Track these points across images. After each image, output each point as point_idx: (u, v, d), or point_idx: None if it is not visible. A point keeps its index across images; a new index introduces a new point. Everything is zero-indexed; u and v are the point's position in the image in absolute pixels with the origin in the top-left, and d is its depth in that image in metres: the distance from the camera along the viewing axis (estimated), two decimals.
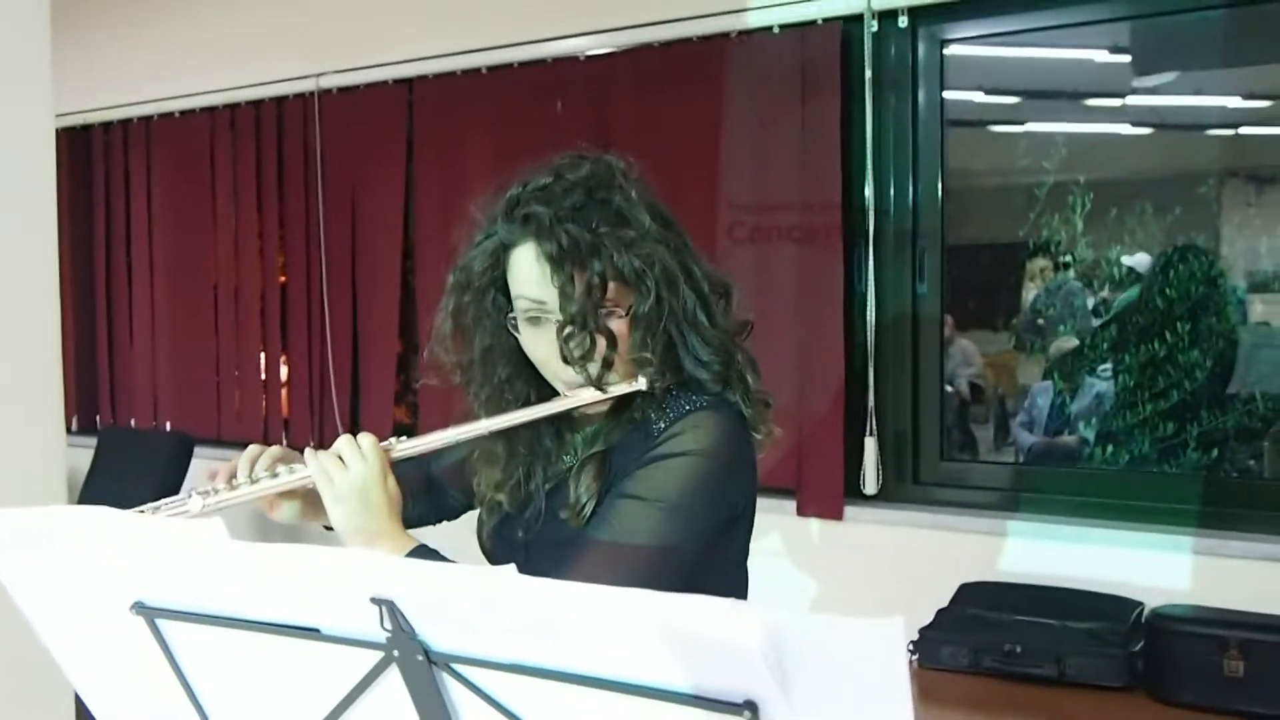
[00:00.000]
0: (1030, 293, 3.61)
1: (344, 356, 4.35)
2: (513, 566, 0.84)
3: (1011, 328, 3.72)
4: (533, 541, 1.59)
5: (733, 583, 1.63)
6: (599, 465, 1.53)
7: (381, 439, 1.51)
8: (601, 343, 1.47)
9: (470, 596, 0.89)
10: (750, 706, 0.81)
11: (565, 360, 1.48)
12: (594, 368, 1.48)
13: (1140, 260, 3.36)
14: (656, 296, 1.48)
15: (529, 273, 1.49)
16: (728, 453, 1.50)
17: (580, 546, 1.47)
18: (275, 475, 1.51)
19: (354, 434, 1.51)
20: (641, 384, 1.51)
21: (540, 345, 1.53)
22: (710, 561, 1.51)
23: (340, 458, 1.47)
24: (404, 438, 1.53)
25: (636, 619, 0.82)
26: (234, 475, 1.53)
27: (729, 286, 1.59)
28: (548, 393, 1.58)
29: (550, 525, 1.57)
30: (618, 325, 1.49)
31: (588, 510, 1.50)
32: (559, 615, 0.86)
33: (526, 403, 1.59)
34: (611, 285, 1.47)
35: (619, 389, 1.51)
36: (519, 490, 1.62)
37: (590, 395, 1.52)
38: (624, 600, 0.81)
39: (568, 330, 1.47)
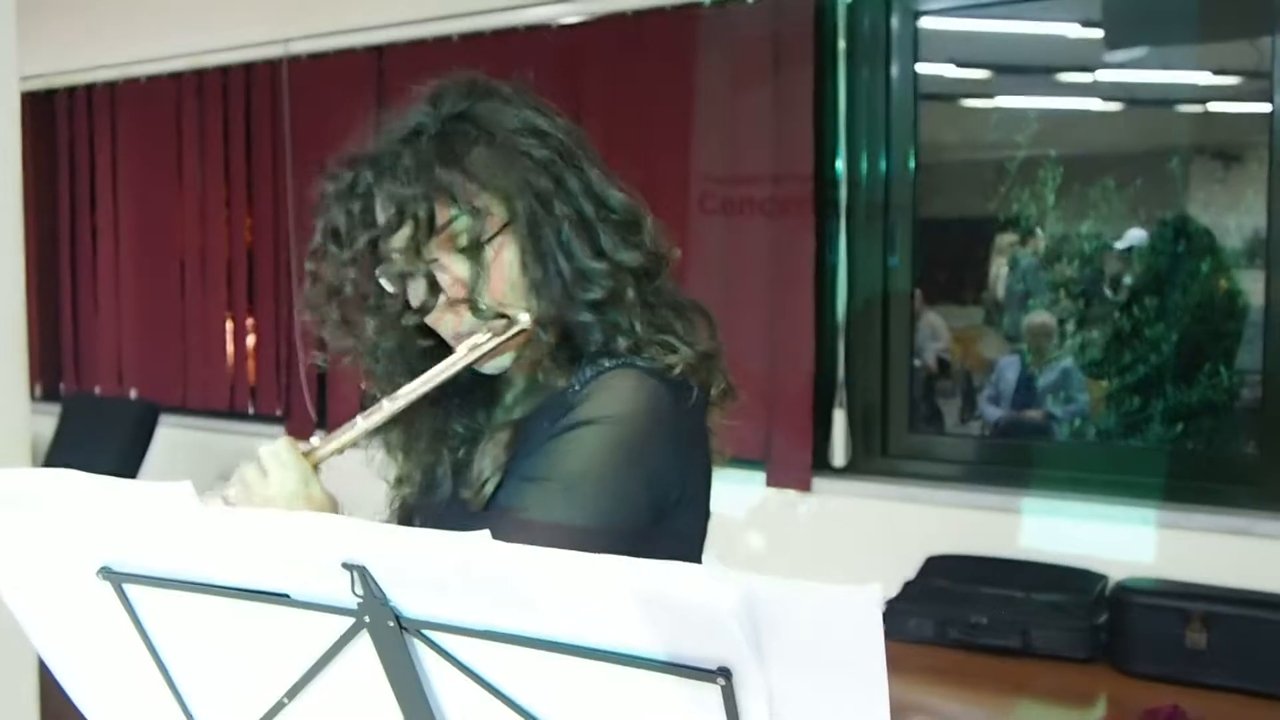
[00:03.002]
0: (1000, 267, 3.63)
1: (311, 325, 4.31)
2: (486, 532, 0.83)
3: (980, 302, 3.73)
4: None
5: None
6: (508, 438, 1.31)
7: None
8: (443, 282, 1.27)
9: (442, 562, 0.88)
10: (724, 673, 0.81)
11: (412, 307, 1.29)
12: (447, 314, 1.29)
13: (1136, 236, 3.36)
14: (526, 214, 1.25)
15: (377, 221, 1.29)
16: (648, 420, 1.23)
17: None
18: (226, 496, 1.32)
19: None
20: (524, 320, 1.27)
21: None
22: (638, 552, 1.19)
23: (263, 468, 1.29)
24: (323, 437, 1.32)
25: (610, 584, 0.81)
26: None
27: (635, 213, 1.31)
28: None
29: (450, 511, 1.36)
30: (446, 260, 1.27)
31: (489, 489, 1.29)
32: (532, 581, 0.85)
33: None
34: (442, 209, 1.24)
35: (498, 337, 1.28)
36: (426, 479, 1.42)
37: (471, 349, 1.28)
38: (597, 565, 0.81)
39: (394, 267, 1.26)
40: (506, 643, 0.88)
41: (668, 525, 1.28)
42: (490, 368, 1.33)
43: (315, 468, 1.30)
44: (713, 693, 0.81)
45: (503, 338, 1.28)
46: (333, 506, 1.30)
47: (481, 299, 1.26)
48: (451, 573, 0.88)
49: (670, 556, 1.18)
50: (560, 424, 1.23)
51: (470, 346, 1.29)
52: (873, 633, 0.75)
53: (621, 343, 1.27)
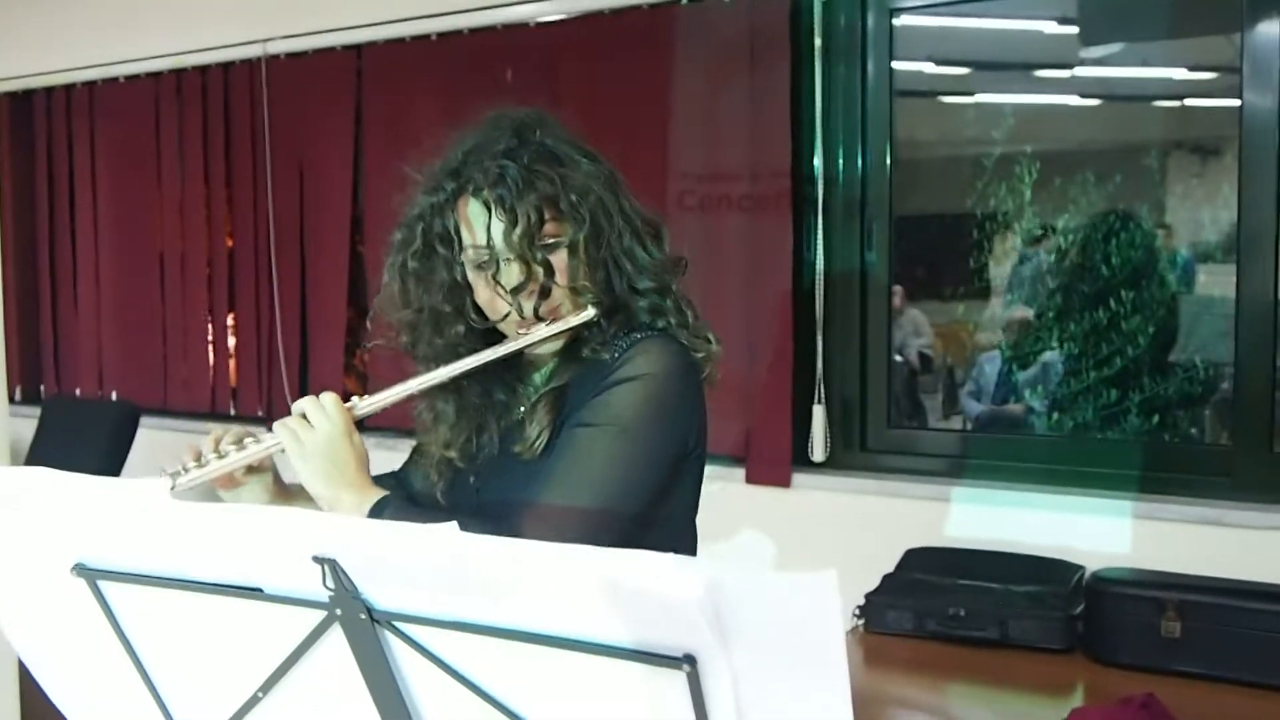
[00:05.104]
0: (982, 262, 3.64)
1: (292, 325, 4.32)
2: (454, 524, 0.85)
3: (960, 297, 3.75)
4: (484, 486, 1.60)
5: (682, 539, 1.64)
6: (553, 400, 1.55)
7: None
8: (538, 273, 1.50)
9: (411, 554, 0.89)
10: (689, 660, 0.82)
11: (502, 294, 1.51)
12: (529, 300, 1.51)
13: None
14: (593, 226, 1.52)
15: (474, 221, 1.53)
16: (676, 377, 1.51)
17: (536, 480, 1.48)
18: (243, 448, 1.50)
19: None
20: (591, 313, 1.53)
21: (487, 290, 1.54)
22: (662, 499, 1.52)
23: (305, 417, 1.49)
24: (365, 396, 1.54)
25: (577, 574, 0.83)
26: (200, 455, 1.51)
27: (659, 225, 1.62)
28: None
29: (503, 465, 1.58)
30: (557, 257, 1.52)
31: (541, 443, 1.52)
32: (500, 572, 0.86)
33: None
34: (549, 217, 1.50)
35: (569, 320, 1.53)
36: (470, 445, 1.62)
37: (543, 330, 1.53)
38: (565, 555, 0.82)
39: (503, 263, 1.51)
40: (476, 633, 0.90)
41: (685, 467, 1.56)
42: (545, 348, 1.57)
43: (356, 422, 1.52)
44: (678, 679, 0.83)
45: (571, 324, 1.53)
46: (367, 459, 1.52)
47: (584, 289, 1.53)
48: (421, 565, 0.90)
49: (683, 496, 1.63)
50: (605, 382, 1.49)
51: (540, 332, 1.53)
52: (831, 616, 0.77)
53: (661, 323, 1.56)
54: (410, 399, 1.59)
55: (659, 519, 1.52)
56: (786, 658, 0.80)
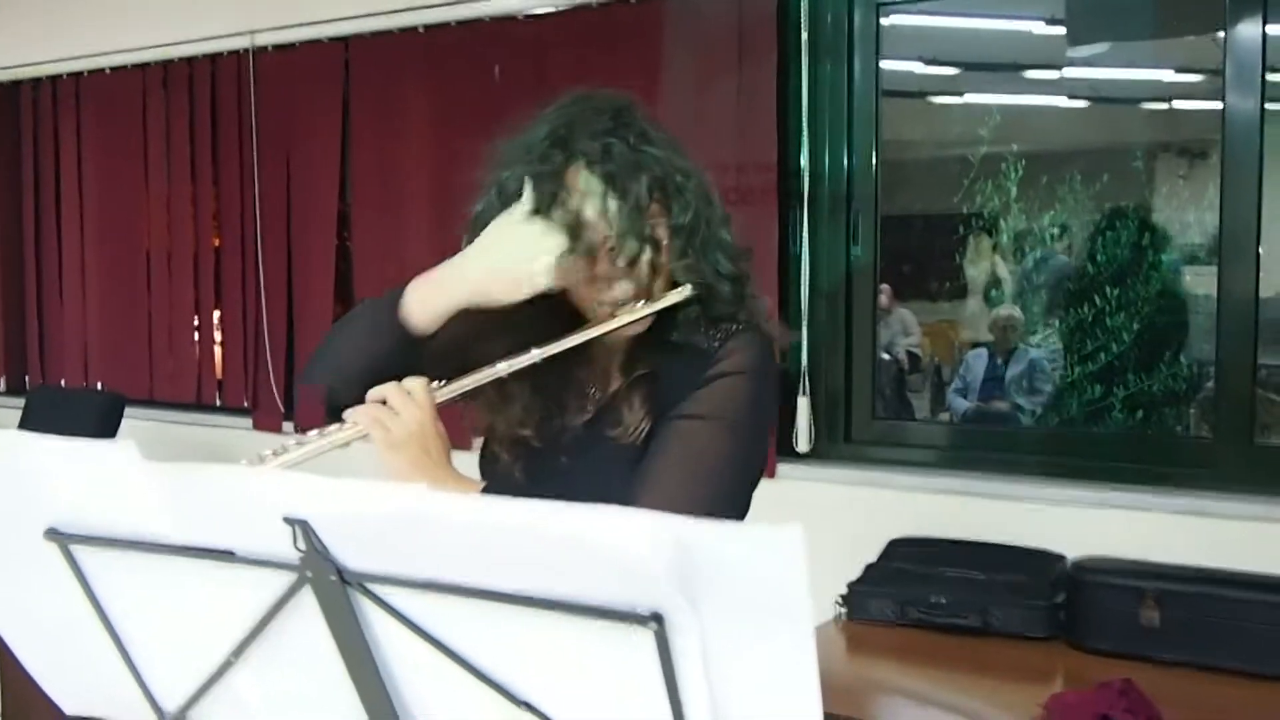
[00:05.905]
0: (968, 262, 3.66)
1: (279, 318, 4.31)
2: (425, 484, 0.85)
3: (947, 295, 3.76)
4: (575, 467, 1.58)
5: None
6: (648, 386, 1.56)
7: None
8: (649, 250, 1.51)
9: (382, 515, 0.89)
10: (656, 618, 0.82)
11: (623, 270, 1.51)
12: (643, 276, 1.52)
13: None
14: (695, 210, 1.54)
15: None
16: (771, 373, 1.57)
17: (640, 467, 1.48)
18: (324, 434, 1.45)
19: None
20: (688, 291, 1.54)
21: (582, 268, 1.53)
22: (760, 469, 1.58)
23: (386, 404, 1.46)
24: (444, 382, 1.51)
25: (545, 533, 0.83)
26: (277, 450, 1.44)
27: (728, 214, 1.64)
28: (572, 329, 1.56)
29: (595, 448, 1.57)
30: (660, 235, 1.53)
31: (643, 430, 1.53)
32: (470, 532, 0.86)
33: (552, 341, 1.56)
34: (655, 198, 1.52)
35: (667, 299, 1.53)
36: (549, 424, 1.61)
37: (640, 310, 1.53)
38: (532, 515, 0.82)
39: (617, 240, 1.50)
40: (447, 593, 0.90)
41: (765, 445, 1.62)
42: (636, 327, 1.56)
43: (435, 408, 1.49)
44: (646, 637, 0.83)
45: (666, 304, 1.54)
46: (449, 445, 1.51)
47: (688, 269, 1.55)
48: (392, 526, 0.90)
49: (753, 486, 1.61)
50: (709, 374, 1.51)
51: (634, 312, 1.53)
52: (797, 571, 0.77)
53: (743, 314, 1.58)
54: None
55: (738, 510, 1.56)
56: (753, 613, 0.80)
